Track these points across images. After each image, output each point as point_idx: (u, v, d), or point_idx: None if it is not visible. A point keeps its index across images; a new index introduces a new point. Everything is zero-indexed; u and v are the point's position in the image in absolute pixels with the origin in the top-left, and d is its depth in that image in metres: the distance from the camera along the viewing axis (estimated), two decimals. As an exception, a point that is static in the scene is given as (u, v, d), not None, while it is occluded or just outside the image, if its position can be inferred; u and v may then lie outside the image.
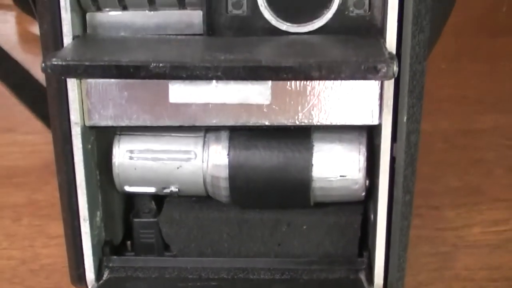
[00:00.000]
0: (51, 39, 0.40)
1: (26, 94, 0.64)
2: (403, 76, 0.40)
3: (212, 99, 0.39)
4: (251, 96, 0.39)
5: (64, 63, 0.35)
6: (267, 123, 0.42)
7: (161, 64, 0.35)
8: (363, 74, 0.35)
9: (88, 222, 0.44)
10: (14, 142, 0.63)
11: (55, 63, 0.35)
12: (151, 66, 0.35)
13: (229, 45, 0.38)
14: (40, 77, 0.64)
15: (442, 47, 0.51)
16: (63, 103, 0.42)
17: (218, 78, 0.35)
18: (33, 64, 0.66)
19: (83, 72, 0.35)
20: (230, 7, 0.41)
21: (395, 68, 0.35)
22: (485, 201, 0.56)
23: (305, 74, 0.34)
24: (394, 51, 0.39)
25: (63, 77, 0.39)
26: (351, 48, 0.37)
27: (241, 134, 0.43)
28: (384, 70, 0.35)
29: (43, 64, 0.36)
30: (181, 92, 0.39)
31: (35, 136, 0.63)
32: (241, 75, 0.35)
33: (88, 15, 0.42)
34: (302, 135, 0.43)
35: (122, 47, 0.38)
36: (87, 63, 0.35)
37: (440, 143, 0.60)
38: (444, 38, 0.51)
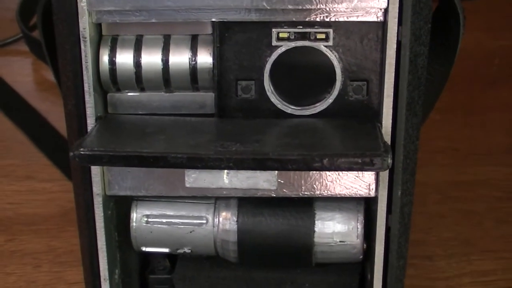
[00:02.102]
0: (75, 120, 0.44)
1: (44, 142, 0.67)
2: (397, 155, 0.44)
3: (224, 185, 0.43)
4: (259, 183, 0.43)
5: (90, 153, 0.39)
6: (273, 195, 0.45)
7: (178, 155, 0.39)
8: (360, 167, 0.38)
9: (108, 281, 0.48)
10: (33, 190, 0.66)
11: (83, 153, 0.39)
12: (169, 157, 0.39)
13: (239, 131, 0.42)
14: (57, 125, 0.68)
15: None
16: (86, 176, 0.45)
17: (230, 168, 0.39)
18: (50, 112, 0.70)
19: (108, 161, 0.39)
20: (239, 91, 0.44)
21: (389, 161, 0.39)
22: (475, 252, 0.59)
23: (308, 166, 0.38)
24: (389, 134, 0.43)
25: (89, 165, 0.43)
26: (349, 138, 0.41)
27: (249, 202, 0.47)
28: (379, 164, 0.38)
29: (71, 153, 0.40)
30: (196, 178, 0.43)
31: (53, 183, 0.66)
32: (251, 166, 0.38)
33: (109, 96, 0.46)
34: (305, 204, 0.47)
35: (142, 133, 0.42)
36: (111, 154, 0.39)
37: (433, 194, 0.63)
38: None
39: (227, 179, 0.42)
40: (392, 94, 0.43)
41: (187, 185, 0.43)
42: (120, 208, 0.49)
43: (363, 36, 0.43)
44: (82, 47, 0.43)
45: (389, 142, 0.43)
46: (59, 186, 0.65)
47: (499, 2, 0.81)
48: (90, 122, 0.44)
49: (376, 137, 0.41)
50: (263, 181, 0.43)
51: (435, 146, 0.67)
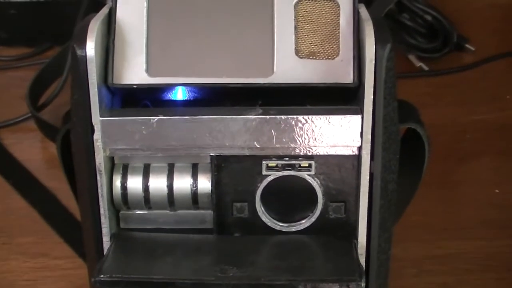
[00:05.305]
0: (92, 238, 0.51)
1: (55, 220, 0.73)
2: (372, 265, 0.51)
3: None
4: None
5: (109, 279, 0.46)
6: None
7: (185, 281, 0.46)
8: (337, 291, 0.46)
9: None
10: (47, 267, 0.72)
11: (103, 279, 0.46)
12: (177, 283, 0.45)
13: (235, 251, 0.49)
14: (66, 203, 0.74)
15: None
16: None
17: (228, 292, 0.46)
18: (59, 190, 0.75)
19: (125, 286, 0.46)
20: (235, 211, 0.51)
21: (363, 285, 0.46)
22: (446, 325, 0.66)
23: (293, 290, 0.46)
24: (364, 247, 0.50)
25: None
26: (329, 259, 0.48)
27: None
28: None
29: (92, 279, 0.46)
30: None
31: (65, 260, 0.72)
32: (246, 290, 0.46)
33: (121, 214, 0.52)
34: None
35: (152, 255, 0.49)
36: (127, 280, 0.46)
37: (410, 268, 0.70)
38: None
39: (227, 298, 0.49)
40: (366, 215, 0.50)
41: (192, 303, 0.50)
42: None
43: (341, 166, 0.50)
44: (98, 178, 0.50)
45: (364, 256, 0.50)
46: (71, 263, 0.71)
47: (472, 76, 0.88)
48: (106, 240, 0.51)
49: (352, 258, 0.48)
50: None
51: (412, 221, 0.72)
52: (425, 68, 0.86)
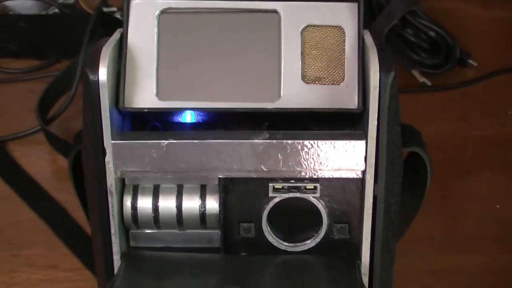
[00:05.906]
0: (102, 256, 0.52)
1: (64, 232, 0.75)
2: (375, 284, 0.52)
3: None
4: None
5: (120, 300, 0.48)
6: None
7: (192, 304, 0.47)
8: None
9: None
10: (56, 279, 0.73)
11: (115, 298, 0.48)
12: (185, 304, 0.47)
13: (241, 271, 0.50)
14: (75, 215, 0.76)
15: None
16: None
17: (234, 314, 0.47)
18: (67, 202, 0.77)
19: (135, 305, 0.48)
20: (241, 231, 0.53)
21: (366, 306, 0.48)
22: None
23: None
24: (367, 267, 0.52)
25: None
26: (332, 280, 0.50)
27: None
28: (358, 311, 0.47)
29: (107, 294, 0.48)
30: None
31: (74, 272, 0.73)
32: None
33: (131, 233, 0.54)
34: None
35: (161, 275, 0.50)
36: (137, 300, 0.48)
37: (411, 284, 0.71)
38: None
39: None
40: (370, 236, 0.51)
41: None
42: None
43: (345, 188, 0.51)
44: (109, 199, 0.51)
45: (367, 275, 0.52)
46: (79, 275, 0.72)
47: (473, 92, 0.89)
48: (116, 258, 0.52)
49: (355, 278, 0.50)
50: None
51: (414, 235, 0.73)
52: (428, 83, 0.87)
